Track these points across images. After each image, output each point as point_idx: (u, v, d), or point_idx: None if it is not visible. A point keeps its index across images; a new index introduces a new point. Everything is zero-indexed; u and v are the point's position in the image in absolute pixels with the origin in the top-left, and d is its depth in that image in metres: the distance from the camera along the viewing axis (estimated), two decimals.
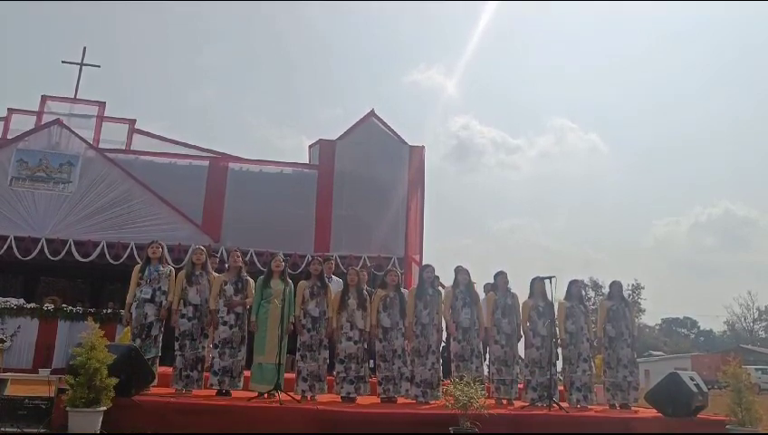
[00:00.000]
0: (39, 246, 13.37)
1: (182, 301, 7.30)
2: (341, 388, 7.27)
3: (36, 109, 16.06)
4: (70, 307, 12.45)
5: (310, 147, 16.28)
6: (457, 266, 8.22)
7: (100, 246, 13.62)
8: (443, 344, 8.25)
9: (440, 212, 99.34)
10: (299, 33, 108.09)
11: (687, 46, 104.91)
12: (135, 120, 16.67)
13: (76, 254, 13.50)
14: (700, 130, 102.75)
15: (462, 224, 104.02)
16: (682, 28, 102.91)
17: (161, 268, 7.40)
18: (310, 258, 10.39)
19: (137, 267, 7.47)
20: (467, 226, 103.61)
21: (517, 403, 7.71)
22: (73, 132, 14.62)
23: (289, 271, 7.62)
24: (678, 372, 7.70)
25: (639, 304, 65.66)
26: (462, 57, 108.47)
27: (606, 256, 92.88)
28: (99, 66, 17.67)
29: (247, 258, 11.32)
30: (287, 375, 7.39)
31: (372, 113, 15.94)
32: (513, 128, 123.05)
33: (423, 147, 16.34)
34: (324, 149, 15.67)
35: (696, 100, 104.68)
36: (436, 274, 8.21)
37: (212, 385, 7.14)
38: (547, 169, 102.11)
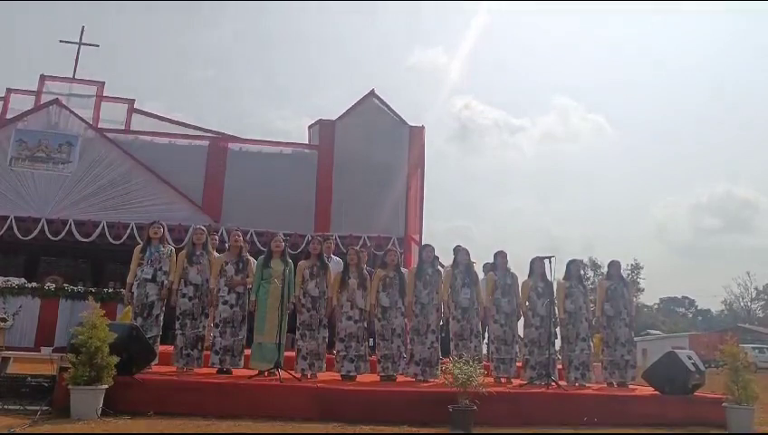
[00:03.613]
0: (39, 226, 13.42)
1: (183, 281, 7.33)
2: (342, 366, 7.32)
3: (35, 88, 16.02)
4: (71, 287, 12.53)
5: (309, 127, 16.27)
6: (457, 246, 8.25)
7: (101, 226, 13.66)
8: (441, 323, 8.28)
9: (441, 192, 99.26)
10: (301, 11, 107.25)
11: (692, 25, 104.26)
12: (134, 100, 16.68)
13: (77, 234, 13.56)
14: (703, 110, 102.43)
15: (462, 204, 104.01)
16: (687, 6, 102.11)
17: (162, 248, 7.43)
18: (310, 238, 10.43)
19: (138, 247, 7.49)
20: (468, 206, 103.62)
21: (516, 382, 7.77)
22: (72, 112, 14.59)
23: (289, 251, 7.65)
24: (676, 350, 7.75)
25: (638, 283, 65.89)
26: (463, 36, 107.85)
27: (606, 236, 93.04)
28: (97, 46, 17.64)
29: (247, 238, 11.36)
30: (287, 354, 7.45)
31: (372, 93, 15.89)
32: (515, 108, 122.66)
33: (423, 127, 16.30)
34: (324, 129, 15.66)
35: (700, 80, 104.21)
36: (436, 254, 8.24)
37: (213, 364, 7.19)
38: (549, 150, 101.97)
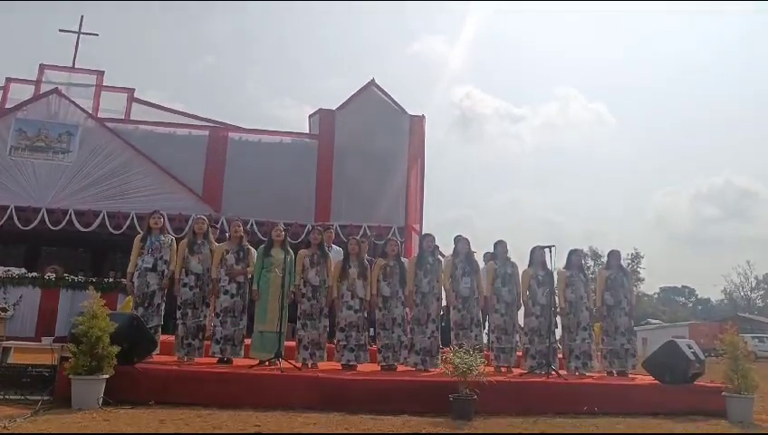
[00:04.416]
0: (40, 216, 13.38)
1: (184, 270, 7.34)
2: (342, 356, 7.34)
3: (34, 78, 15.96)
4: (71, 276, 12.52)
5: (310, 116, 16.21)
6: (457, 236, 8.25)
7: (101, 215, 13.63)
8: (442, 313, 8.29)
9: (442, 182, 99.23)
10: (303, 1, 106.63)
11: (694, 17, 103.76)
12: (134, 90, 16.60)
13: (77, 223, 13.52)
14: (703, 100, 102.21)
15: (463, 194, 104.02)
16: (688, 5, 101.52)
17: (162, 238, 7.43)
18: (310, 228, 10.42)
19: (138, 237, 7.49)
20: (469, 195, 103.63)
21: (516, 371, 7.79)
22: (72, 102, 14.53)
23: (289, 240, 7.65)
24: (676, 340, 7.76)
25: (639, 273, 65.93)
26: (464, 24, 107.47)
27: (607, 226, 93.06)
28: (97, 35, 17.56)
29: (248, 228, 11.34)
30: (288, 343, 7.47)
31: (372, 83, 15.81)
32: (516, 97, 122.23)
33: (423, 116, 16.24)
34: (324, 118, 15.60)
35: (701, 69, 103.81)
36: (437, 243, 8.24)
37: (214, 353, 7.21)
38: (550, 139, 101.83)
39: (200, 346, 7.28)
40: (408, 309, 7.74)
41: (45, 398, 5.80)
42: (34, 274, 12.50)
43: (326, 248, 7.93)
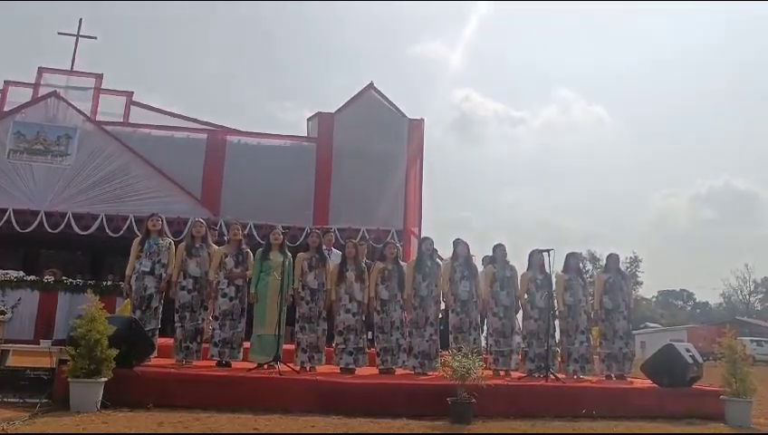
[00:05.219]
0: (38, 219, 13.37)
1: (182, 273, 7.34)
2: (340, 359, 7.34)
3: (33, 81, 15.95)
4: (70, 279, 12.52)
5: (308, 120, 16.20)
6: (456, 239, 8.26)
7: (99, 218, 13.61)
8: (441, 316, 8.29)
9: (440, 185, 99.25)
10: (302, 3, 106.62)
11: (689, 17, 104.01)
12: (132, 93, 16.60)
13: (75, 227, 13.51)
14: (702, 102, 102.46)
15: (462, 197, 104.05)
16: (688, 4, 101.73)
17: (161, 241, 7.42)
18: (308, 231, 10.42)
19: (136, 240, 7.49)
20: (468, 199, 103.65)
21: (515, 374, 7.79)
22: (71, 105, 14.53)
23: (288, 244, 7.65)
24: (674, 343, 7.77)
25: (637, 276, 65.94)
26: (465, 28, 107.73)
27: (606, 229, 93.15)
28: (95, 38, 17.56)
29: (246, 231, 11.33)
30: (286, 346, 7.46)
31: (371, 86, 15.80)
32: (516, 100, 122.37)
33: (422, 120, 16.22)
34: (323, 121, 15.59)
35: (700, 73, 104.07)
36: (435, 246, 8.24)
37: (212, 356, 7.21)
38: (549, 142, 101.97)
39: (198, 349, 7.28)
40: (406, 312, 7.75)
41: (44, 401, 5.79)
42: (33, 277, 12.51)
43: (325, 252, 7.92)
